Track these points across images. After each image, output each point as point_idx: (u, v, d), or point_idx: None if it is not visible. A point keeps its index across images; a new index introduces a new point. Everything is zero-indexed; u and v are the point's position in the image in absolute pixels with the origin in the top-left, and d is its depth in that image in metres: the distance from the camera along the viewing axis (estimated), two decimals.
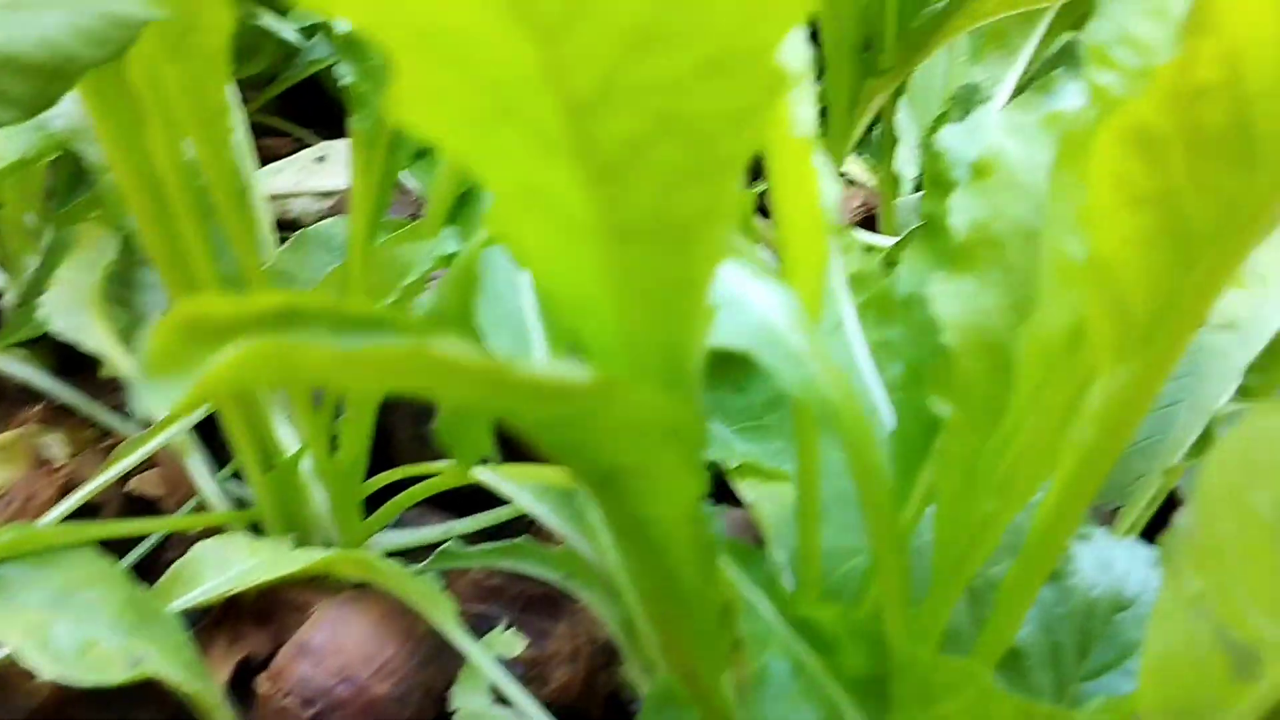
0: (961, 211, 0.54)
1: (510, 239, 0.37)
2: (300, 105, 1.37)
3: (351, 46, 0.72)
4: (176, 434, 0.79)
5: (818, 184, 0.47)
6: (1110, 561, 0.57)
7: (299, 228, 1.21)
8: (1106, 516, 0.77)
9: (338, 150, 1.26)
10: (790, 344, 0.46)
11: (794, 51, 0.51)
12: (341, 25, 0.72)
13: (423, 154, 0.79)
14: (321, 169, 1.24)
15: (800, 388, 0.45)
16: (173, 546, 0.80)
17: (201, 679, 0.62)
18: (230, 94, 0.84)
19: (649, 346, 0.38)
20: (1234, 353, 0.65)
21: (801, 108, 0.51)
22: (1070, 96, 0.61)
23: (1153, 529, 0.70)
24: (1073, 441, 0.46)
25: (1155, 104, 0.37)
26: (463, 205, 0.78)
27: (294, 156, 1.26)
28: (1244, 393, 0.62)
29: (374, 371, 0.28)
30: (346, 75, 0.72)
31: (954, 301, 0.54)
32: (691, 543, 0.43)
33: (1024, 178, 0.54)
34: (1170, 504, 0.71)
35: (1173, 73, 0.36)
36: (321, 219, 1.15)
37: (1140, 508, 0.66)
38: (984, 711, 0.47)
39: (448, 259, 0.73)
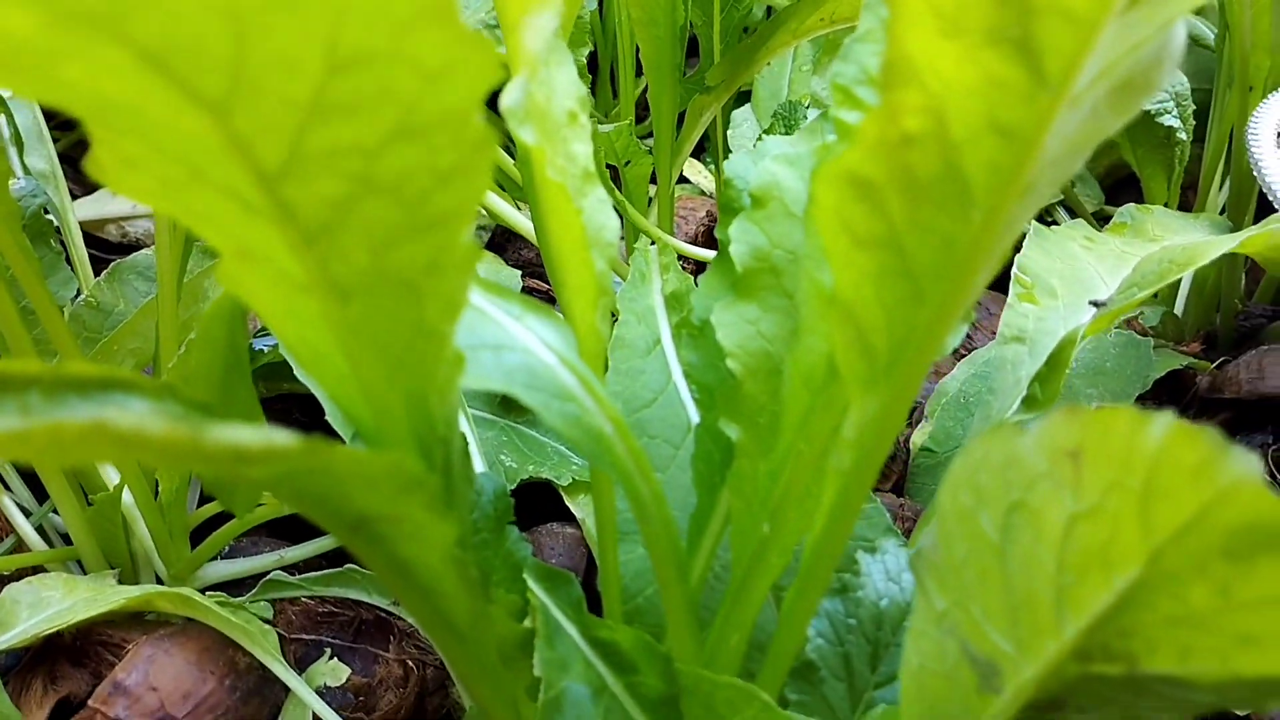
0: (740, 240, 0.55)
1: (242, 295, 0.37)
2: None
3: None
4: None
5: (581, 222, 0.48)
6: (899, 572, 0.59)
7: (141, 249, 1.20)
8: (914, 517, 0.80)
9: None
10: (558, 382, 0.47)
11: (566, 89, 0.52)
12: None
13: None
14: None
15: (568, 426, 0.46)
16: None
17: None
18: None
19: (389, 397, 0.39)
20: (1022, 364, 0.68)
21: (575, 146, 0.52)
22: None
23: None
24: (833, 468, 0.47)
25: (865, 153, 0.38)
26: None
27: None
28: (1028, 403, 0.64)
29: (55, 447, 0.29)
30: None
31: (737, 328, 0.56)
32: (459, 582, 0.44)
33: (798, 207, 0.56)
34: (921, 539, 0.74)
35: (877, 124, 0.38)
36: None
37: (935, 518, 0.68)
38: None
39: None
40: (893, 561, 0.59)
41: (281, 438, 0.30)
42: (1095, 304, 0.66)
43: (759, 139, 1.05)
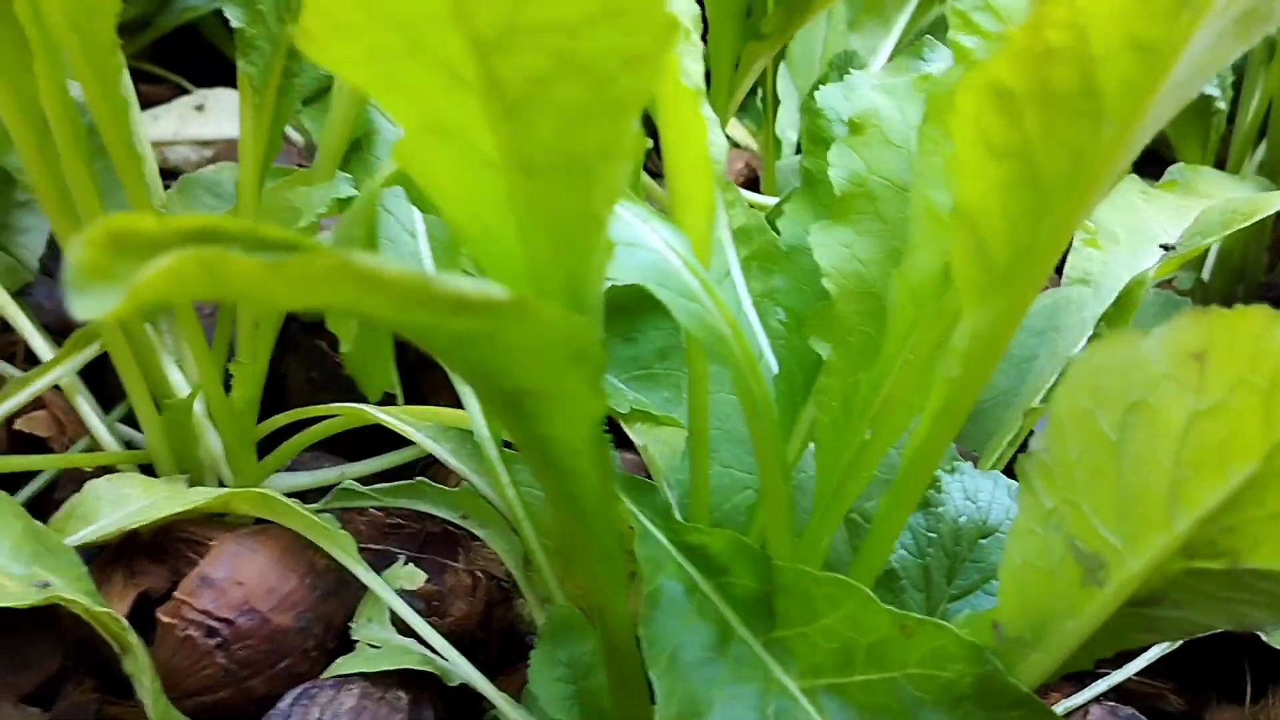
0: (839, 165, 0.58)
1: (419, 172, 0.39)
2: (176, 51, 1.35)
3: None
4: (64, 374, 0.79)
5: (706, 131, 0.50)
6: (976, 492, 0.62)
7: (178, 176, 1.21)
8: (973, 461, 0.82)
9: (217, 99, 1.25)
10: (684, 282, 0.49)
11: (683, 7, 0.54)
12: None
13: (311, 100, 0.80)
14: (201, 118, 1.22)
15: (693, 323, 0.49)
16: (62, 486, 0.80)
17: (105, 605, 0.63)
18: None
19: (551, 276, 0.41)
20: (1088, 305, 0.70)
21: (689, 61, 0.54)
22: (939, 60, 0.66)
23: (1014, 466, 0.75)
24: (941, 377, 0.50)
25: (1009, 64, 0.40)
26: (355, 151, 0.79)
27: (172, 104, 1.24)
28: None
29: (300, 284, 0.30)
30: (235, 19, 0.73)
31: (832, 250, 0.58)
32: (593, 463, 0.46)
33: (896, 135, 0.58)
34: (1029, 442, 0.76)
35: (1024, 36, 0.40)
36: (201, 168, 1.14)
37: (1003, 445, 0.71)
38: (862, 621, 0.51)
39: (342, 203, 0.74)
40: (970, 481, 0.62)
41: (495, 291, 0.32)
42: (1165, 247, 0.68)
43: (811, 89, 1.06)
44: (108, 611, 0.59)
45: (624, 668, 0.57)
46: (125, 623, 0.59)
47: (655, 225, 0.50)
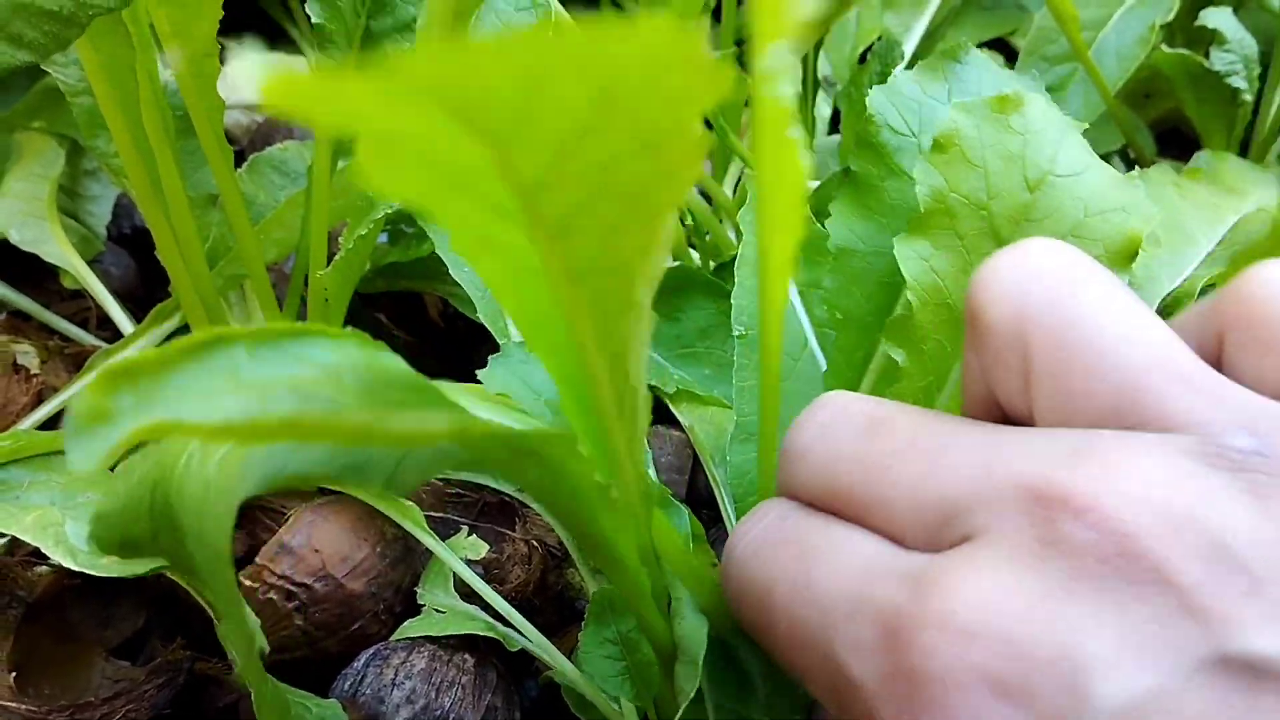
0: (923, 183, 0.60)
1: (475, 267, 0.43)
2: (228, 13, 1.37)
3: None
4: (147, 345, 0.82)
5: (799, 160, 0.53)
6: None
7: (230, 141, 1.23)
8: None
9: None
10: None
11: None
12: None
13: None
14: (254, 83, 1.25)
15: None
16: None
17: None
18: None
19: (598, 358, 0.44)
20: None
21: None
22: (972, 64, 0.69)
23: None
24: None
25: None
26: None
27: (224, 70, 1.27)
28: None
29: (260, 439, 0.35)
30: (315, 15, 0.76)
31: (913, 263, 0.61)
32: (599, 504, 0.48)
33: (974, 154, 0.61)
34: None
35: None
36: (253, 134, 1.17)
37: None
38: None
39: None
40: None
41: (437, 423, 0.36)
42: None
43: (852, 75, 1.09)
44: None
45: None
46: (233, 584, 0.63)
47: None
